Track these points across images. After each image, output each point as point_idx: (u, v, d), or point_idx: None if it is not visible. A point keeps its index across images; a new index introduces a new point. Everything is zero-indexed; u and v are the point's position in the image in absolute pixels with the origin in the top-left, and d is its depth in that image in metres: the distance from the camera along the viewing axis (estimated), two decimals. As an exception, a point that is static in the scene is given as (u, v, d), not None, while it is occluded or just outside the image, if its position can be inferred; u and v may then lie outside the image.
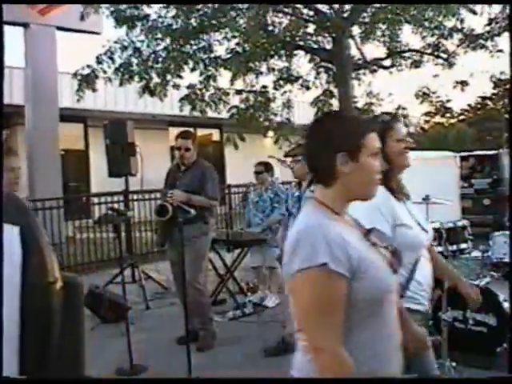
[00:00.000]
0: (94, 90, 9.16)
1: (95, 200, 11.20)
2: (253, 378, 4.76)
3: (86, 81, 8.97)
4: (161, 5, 8.85)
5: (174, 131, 14.30)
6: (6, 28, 12.59)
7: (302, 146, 1.90)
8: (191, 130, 6.50)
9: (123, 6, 8.73)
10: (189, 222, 4.89)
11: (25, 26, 12.90)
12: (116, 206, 9.69)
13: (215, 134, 19.74)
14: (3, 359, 1.10)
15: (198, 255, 5.41)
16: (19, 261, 1.15)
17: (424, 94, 10.81)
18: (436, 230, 4.39)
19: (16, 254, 1.16)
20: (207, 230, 5.51)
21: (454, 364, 4.33)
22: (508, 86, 18.68)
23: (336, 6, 8.51)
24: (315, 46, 9.06)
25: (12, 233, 1.18)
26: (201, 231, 5.42)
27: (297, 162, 5.26)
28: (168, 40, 8.66)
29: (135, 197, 10.56)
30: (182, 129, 5.96)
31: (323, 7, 8.55)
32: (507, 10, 8.57)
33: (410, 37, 9.27)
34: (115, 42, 9.11)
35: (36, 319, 1.15)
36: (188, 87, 9.36)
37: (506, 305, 4.71)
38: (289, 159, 5.41)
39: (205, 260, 5.68)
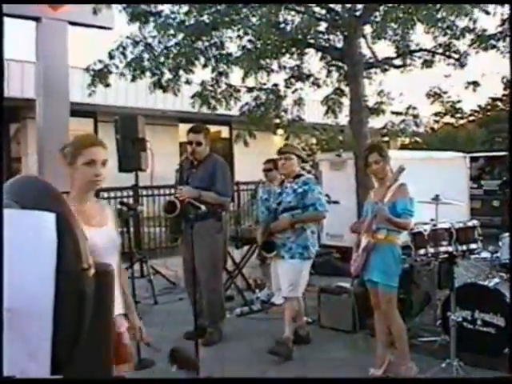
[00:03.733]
0: (106, 85, 9.16)
1: (104, 194, 11.23)
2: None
3: (100, 76, 8.98)
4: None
5: (183, 127, 14.34)
6: (18, 22, 12.68)
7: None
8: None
9: (136, 2, 8.77)
10: (201, 219, 4.87)
11: (37, 20, 12.93)
12: (125, 200, 9.74)
13: (224, 131, 19.74)
14: (40, 347, 1.13)
15: (212, 254, 5.38)
16: (55, 248, 1.18)
17: (435, 94, 10.73)
18: (446, 230, 4.40)
19: (52, 240, 1.19)
20: (221, 227, 5.46)
21: (461, 364, 4.35)
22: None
23: (348, 4, 8.49)
24: (326, 45, 9.03)
25: (48, 220, 1.21)
26: (215, 229, 5.37)
27: (288, 159, 5.28)
28: (180, 36, 8.68)
29: (144, 192, 10.59)
30: (191, 125, 5.85)
31: (335, 6, 8.53)
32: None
33: (421, 36, 9.20)
34: (127, 38, 9.11)
35: (70, 305, 1.18)
36: (201, 84, 9.36)
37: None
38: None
39: (219, 259, 5.63)
